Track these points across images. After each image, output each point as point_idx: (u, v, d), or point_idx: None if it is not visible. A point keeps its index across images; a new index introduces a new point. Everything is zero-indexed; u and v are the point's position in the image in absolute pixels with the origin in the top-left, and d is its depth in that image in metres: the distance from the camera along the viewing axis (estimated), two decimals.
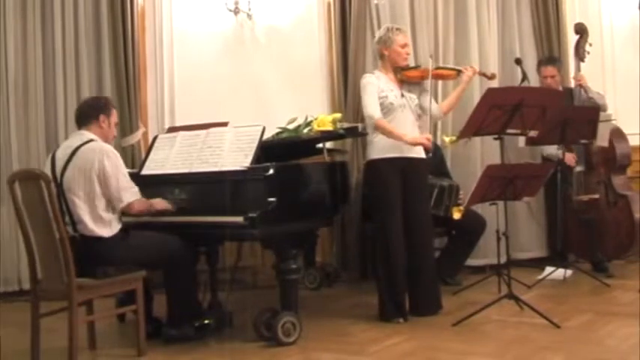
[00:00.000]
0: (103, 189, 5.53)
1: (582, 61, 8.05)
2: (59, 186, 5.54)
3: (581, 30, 8.08)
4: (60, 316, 5.43)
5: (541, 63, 8.50)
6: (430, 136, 6.31)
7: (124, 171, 5.69)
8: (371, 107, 6.33)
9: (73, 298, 5.18)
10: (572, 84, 8.17)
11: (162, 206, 5.89)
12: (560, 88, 8.17)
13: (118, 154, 5.70)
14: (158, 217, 5.91)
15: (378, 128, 6.34)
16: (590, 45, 8.06)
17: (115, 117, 5.93)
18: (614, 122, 7.92)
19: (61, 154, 5.66)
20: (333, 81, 8.50)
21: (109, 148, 5.64)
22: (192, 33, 8.36)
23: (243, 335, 5.97)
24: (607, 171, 8.01)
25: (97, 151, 5.55)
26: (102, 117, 5.79)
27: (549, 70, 8.28)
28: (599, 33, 8.98)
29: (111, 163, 5.55)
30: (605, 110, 8.03)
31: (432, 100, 6.63)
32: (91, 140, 5.66)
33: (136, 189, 5.69)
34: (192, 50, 8.34)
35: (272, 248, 5.90)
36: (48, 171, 5.62)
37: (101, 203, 5.54)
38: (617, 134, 8.02)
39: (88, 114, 5.82)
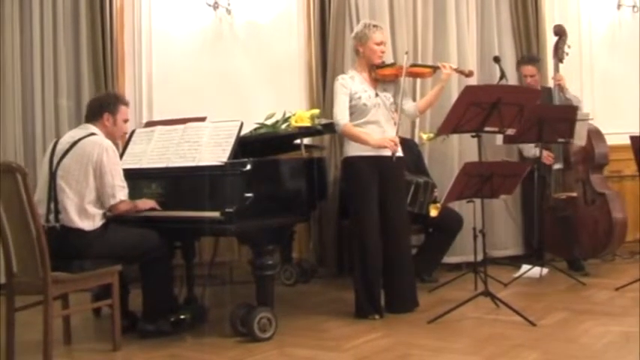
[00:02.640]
0: (96, 183, 5.56)
1: (561, 62, 8.11)
2: (53, 173, 5.57)
3: (560, 32, 8.13)
4: (35, 310, 5.41)
5: (521, 62, 8.54)
6: (396, 139, 6.31)
7: (120, 169, 5.70)
8: (339, 114, 6.36)
9: (49, 291, 5.16)
10: (551, 84, 8.20)
11: (148, 206, 5.90)
12: (539, 88, 8.20)
13: (117, 152, 5.74)
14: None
15: (345, 134, 6.40)
16: (569, 47, 8.11)
17: (123, 114, 5.94)
18: (591, 122, 7.94)
19: (63, 142, 5.71)
20: (311, 77, 8.50)
21: (109, 144, 5.67)
22: (171, 27, 8.31)
23: (219, 330, 5.96)
24: (585, 169, 8.03)
25: (98, 145, 5.59)
26: (106, 115, 5.83)
27: (529, 69, 8.32)
28: (578, 34, 9.02)
29: (109, 159, 5.58)
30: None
31: (409, 98, 6.65)
32: (94, 134, 5.70)
33: (127, 190, 5.70)
34: (170, 44, 8.30)
35: (248, 244, 5.90)
36: (47, 157, 5.71)
37: (90, 196, 5.55)
38: (596, 134, 8.04)
39: (94, 111, 5.90)
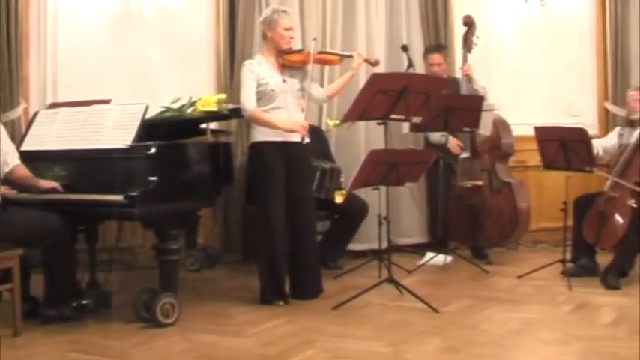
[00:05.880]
0: None
1: (469, 52, 8.17)
2: None
3: (469, 22, 8.18)
4: None
5: (428, 50, 8.59)
6: (306, 124, 6.34)
7: (5, 134, 5.62)
8: (247, 101, 6.33)
9: None
10: (459, 74, 8.27)
11: (49, 186, 5.80)
12: (445, 77, 8.27)
13: None
14: (37, 194, 5.81)
15: (253, 120, 6.37)
16: (478, 37, 8.17)
17: None
18: (497, 112, 8.05)
19: None
20: (219, 61, 8.46)
21: None
22: (78, 7, 8.16)
23: (122, 316, 5.91)
24: (491, 159, 8.12)
25: None
26: None
27: (436, 57, 8.38)
28: (486, 25, 9.11)
29: None
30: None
31: (316, 84, 6.66)
32: None
33: (17, 153, 5.61)
34: (77, 25, 8.15)
35: (152, 228, 5.84)
36: None
37: None
38: (503, 125, 8.15)
39: None
